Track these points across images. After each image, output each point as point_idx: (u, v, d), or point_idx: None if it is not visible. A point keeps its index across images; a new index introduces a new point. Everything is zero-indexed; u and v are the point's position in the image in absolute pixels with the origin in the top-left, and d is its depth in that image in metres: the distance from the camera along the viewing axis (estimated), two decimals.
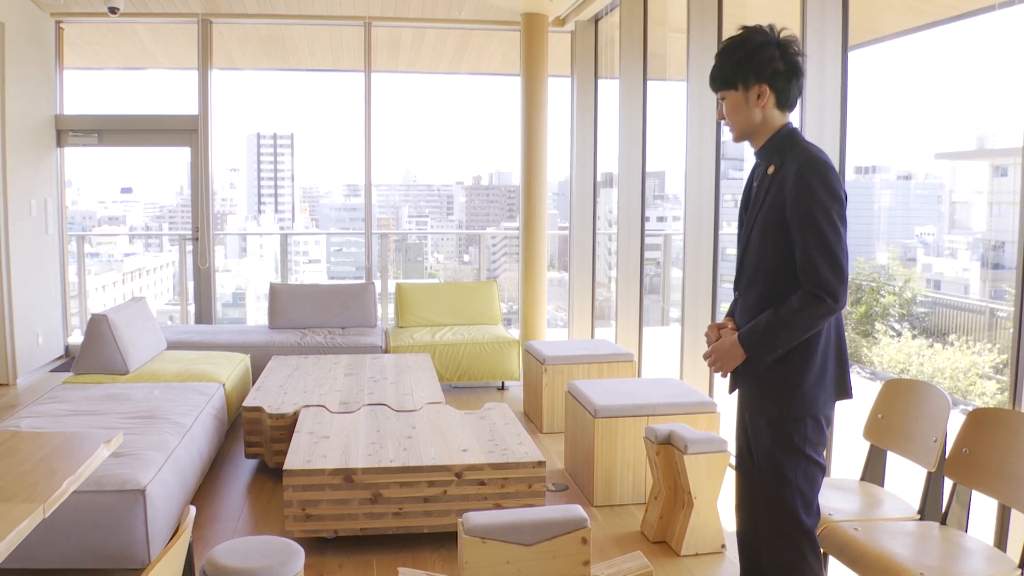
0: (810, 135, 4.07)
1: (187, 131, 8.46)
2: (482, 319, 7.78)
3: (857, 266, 12.10)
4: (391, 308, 9.14)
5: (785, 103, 2.62)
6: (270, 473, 5.00)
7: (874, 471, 3.29)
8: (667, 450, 3.97)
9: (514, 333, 8.04)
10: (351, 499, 3.84)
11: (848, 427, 2.71)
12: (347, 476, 3.83)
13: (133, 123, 8.55)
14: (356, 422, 4.57)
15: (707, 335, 2.82)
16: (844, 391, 2.62)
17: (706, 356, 2.75)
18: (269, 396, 5.18)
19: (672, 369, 6.21)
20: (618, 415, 4.48)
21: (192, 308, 8.81)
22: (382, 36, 8.79)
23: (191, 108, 8.41)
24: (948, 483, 2.93)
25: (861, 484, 3.30)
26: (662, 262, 10.31)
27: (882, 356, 9.90)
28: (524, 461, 3.94)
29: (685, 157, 5.62)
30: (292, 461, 3.90)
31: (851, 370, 2.63)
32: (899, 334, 10.08)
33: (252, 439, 4.99)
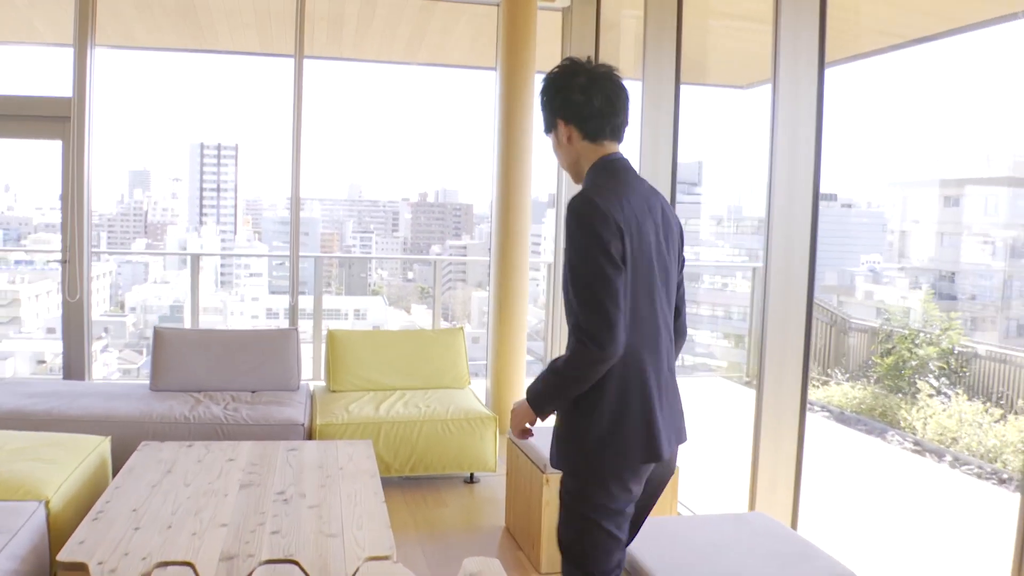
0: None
1: (58, 118, 6.41)
2: (443, 380, 5.80)
3: (888, 311, 10.43)
4: (324, 328, 7.59)
5: (589, 134, 2.43)
6: None
7: None
8: None
9: (479, 389, 6.14)
10: None
11: None
12: None
13: None
14: None
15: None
16: (653, 454, 2.37)
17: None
18: (108, 536, 3.16)
19: None
20: None
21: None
22: (320, 9, 6.86)
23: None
24: None
25: None
26: None
27: (926, 422, 8.08)
28: None
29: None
30: None
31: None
32: (938, 392, 8.17)
33: None
